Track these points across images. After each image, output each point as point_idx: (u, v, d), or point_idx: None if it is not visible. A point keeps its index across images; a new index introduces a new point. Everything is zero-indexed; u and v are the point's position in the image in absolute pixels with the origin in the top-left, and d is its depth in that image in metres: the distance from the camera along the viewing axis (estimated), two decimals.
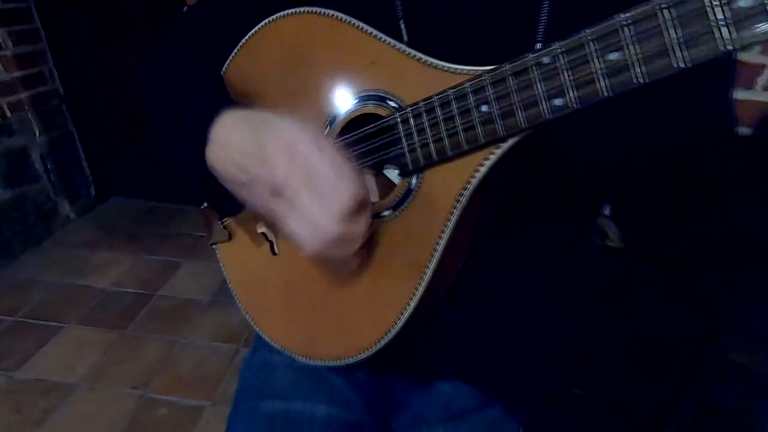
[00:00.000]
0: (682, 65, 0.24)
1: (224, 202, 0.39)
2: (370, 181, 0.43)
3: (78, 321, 1.51)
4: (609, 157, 0.36)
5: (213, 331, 1.51)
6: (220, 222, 0.52)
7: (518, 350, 0.49)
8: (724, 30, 0.23)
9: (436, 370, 0.49)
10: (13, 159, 1.73)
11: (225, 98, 0.42)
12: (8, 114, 1.69)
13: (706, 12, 0.23)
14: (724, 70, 0.38)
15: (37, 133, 1.84)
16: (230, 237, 0.52)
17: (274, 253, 0.47)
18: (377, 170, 0.42)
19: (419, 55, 0.36)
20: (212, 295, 1.66)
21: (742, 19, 0.22)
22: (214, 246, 0.54)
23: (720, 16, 0.23)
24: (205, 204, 0.54)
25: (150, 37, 1.76)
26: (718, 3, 0.23)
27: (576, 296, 0.54)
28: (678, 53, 0.24)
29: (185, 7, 0.55)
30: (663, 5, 0.24)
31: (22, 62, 1.74)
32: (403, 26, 0.40)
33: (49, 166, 1.90)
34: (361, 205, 0.32)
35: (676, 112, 0.34)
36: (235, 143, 0.35)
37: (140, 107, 0.50)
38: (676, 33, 0.24)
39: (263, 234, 0.47)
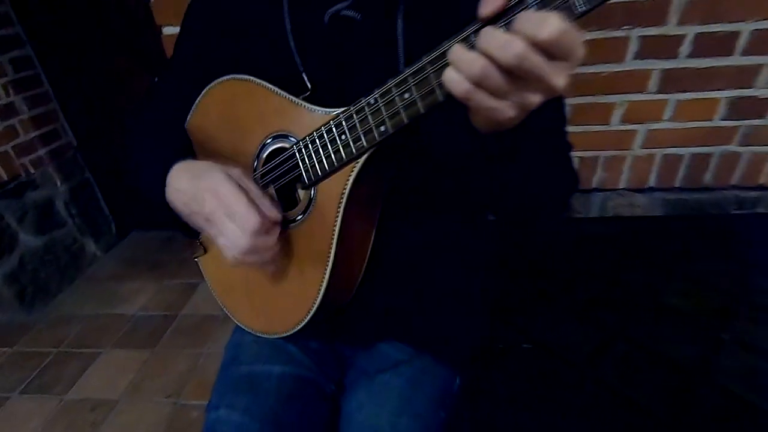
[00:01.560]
0: None
1: (186, 227, 0.54)
2: (274, 201, 0.56)
3: (113, 345, 1.70)
4: (452, 154, 0.48)
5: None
6: (197, 240, 0.66)
7: (438, 311, 0.62)
8: None
9: (375, 334, 0.62)
10: (41, 210, 1.94)
11: (181, 152, 0.57)
12: (32, 171, 1.91)
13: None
14: None
15: (59, 183, 2.05)
16: (206, 251, 0.66)
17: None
18: (294, 187, 0.55)
19: (304, 103, 0.49)
20: None
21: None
22: (196, 259, 0.68)
23: None
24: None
25: (145, 83, 1.94)
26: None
27: (486, 263, 0.67)
28: None
29: (155, 78, 0.70)
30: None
31: (38, 123, 1.94)
32: (305, 77, 0.53)
33: (72, 211, 2.11)
34: (268, 226, 0.46)
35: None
36: (182, 187, 0.50)
37: (127, 162, 0.66)
38: None
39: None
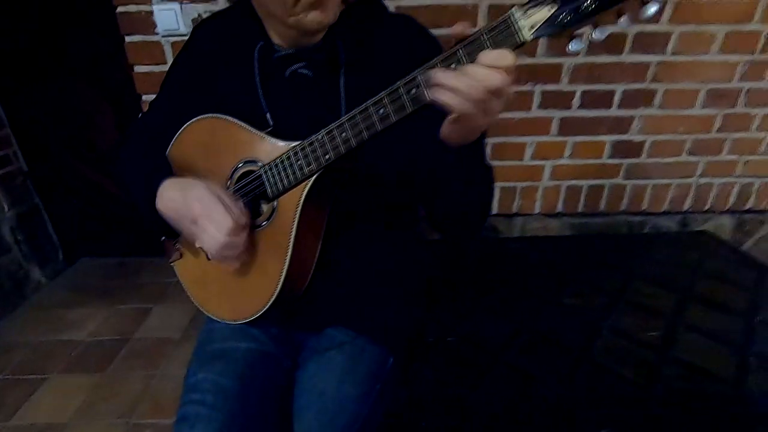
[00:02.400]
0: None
1: (170, 230, 0.68)
2: (243, 209, 0.69)
3: (61, 371, 1.67)
4: (389, 174, 0.67)
5: (187, 361, 1.68)
6: (174, 245, 0.79)
7: (375, 303, 0.78)
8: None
9: (323, 321, 0.77)
10: None
11: (166, 172, 0.71)
12: None
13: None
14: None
15: (6, 209, 2.03)
16: (181, 255, 0.79)
17: (208, 259, 0.75)
18: (259, 201, 0.71)
19: (268, 137, 0.67)
20: (183, 331, 1.85)
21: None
22: (172, 264, 0.81)
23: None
24: (163, 238, 0.81)
25: (106, 114, 2.02)
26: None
27: (419, 268, 0.85)
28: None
29: (140, 114, 0.84)
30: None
31: None
32: (268, 117, 0.70)
33: (18, 237, 2.08)
34: (238, 227, 0.62)
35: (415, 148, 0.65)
36: (171, 197, 0.65)
37: (117, 182, 0.78)
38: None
39: (201, 248, 0.75)
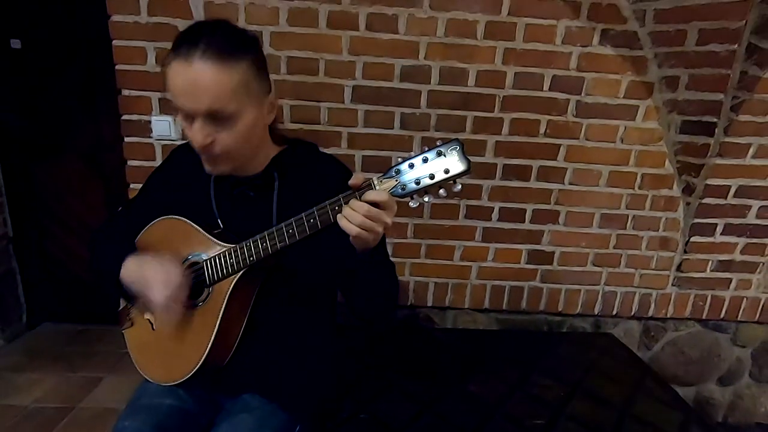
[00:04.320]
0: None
1: (129, 297, 0.87)
2: (183, 273, 0.88)
3: None
4: (303, 268, 0.88)
5: None
6: (127, 315, 0.97)
7: (287, 377, 0.95)
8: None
9: (240, 388, 0.93)
10: None
11: (131, 252, 0.92)
12: None
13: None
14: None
15: None
16: (132, 324, 0.97)
17: (152, 329, 0.93)
18: (201, 286, 0.91)
19: (213, 238, 0.88)
20: None
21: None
22: (123, 331, 0.98)
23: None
24: (120, 306, 1.00)
25: (98, 192, 2.26)
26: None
27: (327, 347, 1.03)
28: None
29: (120, 208, 1.08)
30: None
31: None
32: (219, 221, 0.94)
33: None
34: (177, 294, 0.82)
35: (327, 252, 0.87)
36: (131, 268, 0.85)
37: (90, 257, 0.98)
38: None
39: (148, 319, 0.94)
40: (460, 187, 0.73)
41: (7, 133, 2.20)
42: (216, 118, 0.77)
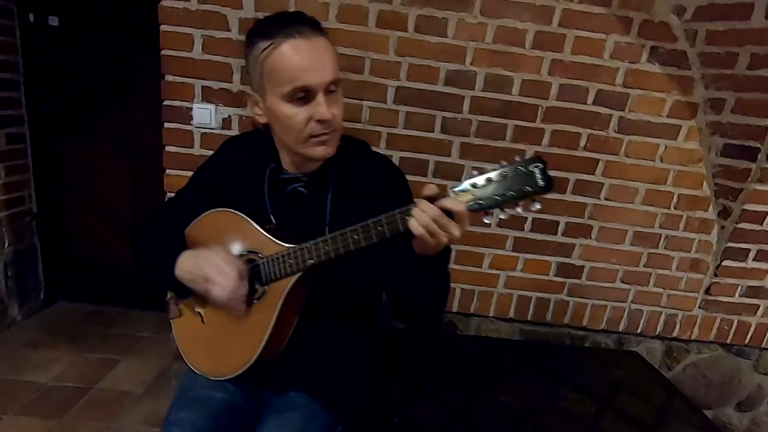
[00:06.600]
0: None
1: (183, 291, 0.87)
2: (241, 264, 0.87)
3: (17, 413, 1.70)
4: (358, 276, 0.88)
5: (145, 417, 1.75)
6: (175, 305, 0.97)
7: (332, 377, 0.95)
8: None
9: (286, 385, 0.93)
10: None
11: (183, 247, 0.90)
12: None
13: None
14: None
15: (6, 244, 2.17)
16: (180, 314, 0.97)
17: (203, 322, 0.93)
18: (254, 283, 0.89)
19: (269, 235, 0.87)
20: (146, 387, 1.90)
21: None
22: (171, 320, 0.98)
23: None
24: (168, 296, 0.99)
25: (124, 174, 2.27)
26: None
27: (370, 352, 1.03)
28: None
29: (166, 197, 1.07)
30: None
31: (9, 188, 2.14)
32: (272, 218, 0.93)
33: (9, 273, 2.19)
34: (240, 291, 0.81)
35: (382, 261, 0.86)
36: (189, 263, 0.85)
37: (139, 253, 0.97)
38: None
39: (198, 312, 0.93)
40: (539, 205, 0.71)
41: (38, 110, 2.20)
42: (330, 91, 0.82)
